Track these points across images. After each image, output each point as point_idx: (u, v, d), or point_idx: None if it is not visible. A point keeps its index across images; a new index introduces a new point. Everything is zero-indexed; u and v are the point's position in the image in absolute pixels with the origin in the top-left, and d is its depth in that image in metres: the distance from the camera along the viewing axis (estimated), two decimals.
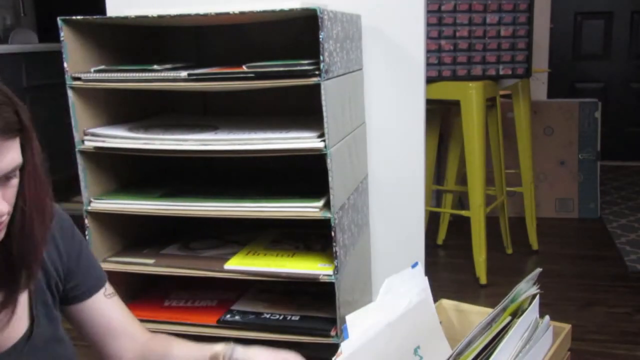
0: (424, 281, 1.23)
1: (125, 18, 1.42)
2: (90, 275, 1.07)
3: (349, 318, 1.11)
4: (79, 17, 1.43)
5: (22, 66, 3.44)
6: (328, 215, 1.38)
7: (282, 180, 1.72)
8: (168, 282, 1.72)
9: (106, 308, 1.08)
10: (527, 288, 1.22)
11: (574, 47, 4.35)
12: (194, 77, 1.38)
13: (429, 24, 2.28)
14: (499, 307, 1.17)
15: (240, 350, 1.10)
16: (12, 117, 0.79)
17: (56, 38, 1.45)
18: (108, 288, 1.10)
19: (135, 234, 1.69)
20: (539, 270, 1.25)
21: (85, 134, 1.49)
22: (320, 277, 1.40)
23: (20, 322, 0.94)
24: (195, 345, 1.10)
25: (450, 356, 1.05)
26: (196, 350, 1.08)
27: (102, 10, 1.82)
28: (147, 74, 1.42)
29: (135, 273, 1.56)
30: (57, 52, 1.44)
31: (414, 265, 1.25)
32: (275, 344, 1.52)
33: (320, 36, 1.31)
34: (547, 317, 1.21)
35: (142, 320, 1.58)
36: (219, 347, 1.06)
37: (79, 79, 1.45)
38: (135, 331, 1.11)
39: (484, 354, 1.08)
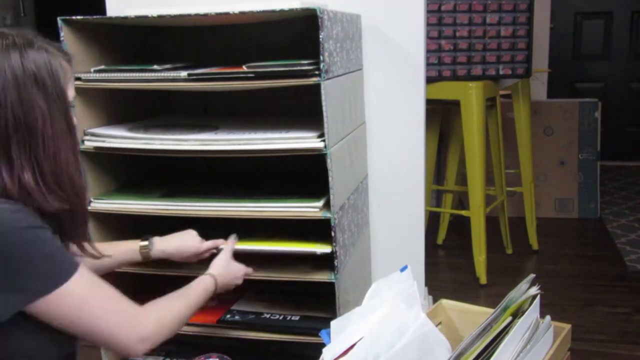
0: (413, 285, 1.22)
1: (125, 18, 1.42)
2: None
3: (333, 324, 1.10)
4: (79, 17, 1.43)
5: None
6: (328, 215, 1.38)
7: (282, 180, 1.72)
8: (168, 282, 1.72)
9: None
10: (519, 295, 1.21)
11: (574, 47, 4.35)
12: (194, 77, 1.38)
13: (429, 24, 2.28)
14: (496, 311, 1.17)
15: (157, 240, 1.40)
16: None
17: (56, 38, 1.45)
18: None
19: (135, 234, 1.69)
20: (532, 276, 1.25)
21: (85, 134, 1.49)
22: (317, 252, 1.40)
23: None
24: (119, 244, 1.38)
25: (451, 357, 1.05)
26: (121, 247, 1.37)
27: (102, 10, 1.82)
28: (147, 74, 1.42)
29: (136, 273, 1.56)
30: None
31: (403, 268, 1.25)
32: (276, 344, 1.52)
33: (321, 36, 1.31)
34: (547, 318, 1.21)
35: None
36: (139, 242, 1.38)
37: (79, 79, 1.45)
38: None
39: (484, 354, 1.08)
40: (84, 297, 0.95)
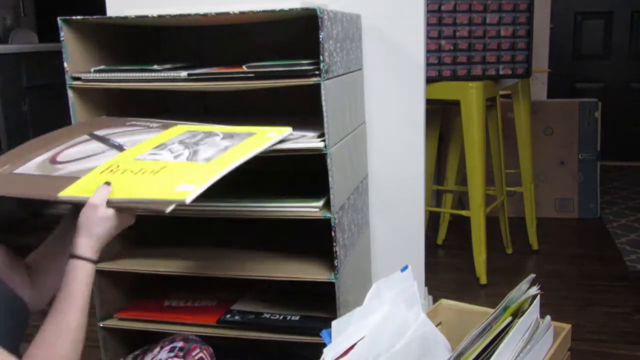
0: (413, 285, 1.22)
1: (125, 18, 1.42)
2: None
3: (334, 324, 1.11)
4: (79, 17, 1.43)
5: (22, 66, 3.44)
6: (328, 215, 1.38)
7: (282, 180, 1.72)
8: (168, 282, 1.72)
9: None
10: (519, 295, 1.21)
11: (574, 47, 4.35)
12: (194, 77, 1.38)
13: (429, 24, 2.28)
14: (496, 311, 1.17)
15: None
16: None
17: (56, 38, 1.45)
18: None
19: (134, 234, 1.69)
20: (532, 276, 1.25)
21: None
22: (168, 208, 1.00)
23: None
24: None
25: (451, 357, 1.05)
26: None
27: (102, 10, 1.82)
28: (147, 74, 1.42)
29: (135, 273, 1.56)
30: (57, 52, 1.44)
31: (404, 268, 1.25)
32: (276, 344, 1.52)
33: (320, 36, 1.31)
34: (547, 318, 1.21)
35: (142, 321, 1.60)
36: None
37: (79, 79, 1.45)
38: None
39: (484, 354, 1.08)
40: None
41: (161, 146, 1.20)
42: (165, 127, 1.31)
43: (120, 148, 1.21)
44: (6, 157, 1.19)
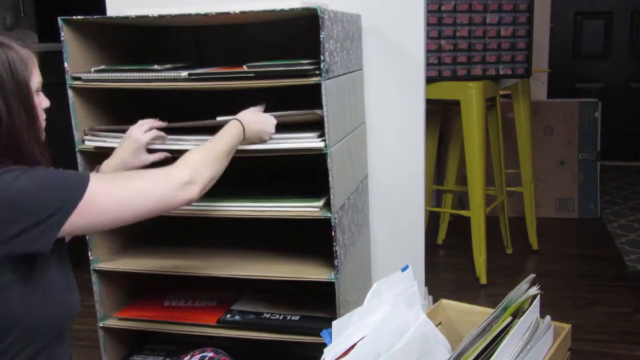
0: (413, 285, 1.22)
1: (126, 18, 1.42)
2: None
3: (334, 324, 1.11)
4: (79, 17, 1.43)
5: None
6: (328, 215, 1.38)
7: (282, 180, 1.72)
8: (168, 282, 1.72)
9: None
10: (519, 295, 1.21)
11: (574, 47, 4.35)
12: (195, 76, 1.38)
13: (429, 24, 2.28)
14: (496, 311, 1.17)
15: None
16: None
17: (56, 38, 1.45)
18: None
19: (134, 234, 1.69)
20: (532, 276, 1.25)
21: (86, 134, 1.49)
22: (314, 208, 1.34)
23: None
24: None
25: (451, 357, 1.05)
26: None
27: (102, 10, 1.82)
28: (147, 74, 1.42)
29: (135, 273, 1.56)
30: (57, 52, 1.44)
31: (404, 268, 1.25)
32: (275, 344, 1.52)
33: (321, 36, 1.31)
34: (547, 318, 1.21)
35: (142, 321, 1.60)
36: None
37: (79, 78, 1.45)
38: None
39: (484, 354, 1.08)
40: (111, 186, 1.01)
41: None
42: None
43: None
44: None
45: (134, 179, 1.07)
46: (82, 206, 0.95)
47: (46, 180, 0.94)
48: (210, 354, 1.22)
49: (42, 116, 1.06)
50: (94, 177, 1.00)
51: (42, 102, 1.08)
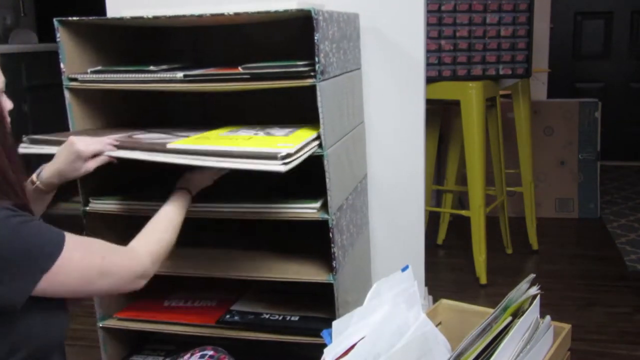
0: (413, 285, 1.22)
1: (121, 19, 1.42)
2: None
3: (335, 324, 1.11)
4: (75, 18, 1.43)
5: (22, 66, 3.44)
6: (326, 216, 1.38)
7: (280, 181, 1.72)
8: (168, 282, 1.72)
9: None
10: (519, 295, 1.21)
11: (574, 47, 4.35)
12: (190, 78, 1.38)
13: (429, 24, 2.27)
14: (496, 311, 1.17)
15: (45, 168, 1.28)
16: None
17: (56, 38, 1.45)
18: None
19: (133, 234, 1.68)
20: (532, 276, 1.25)
21: (23, 141, 1.42)
22: (279, 155, 1.16)
23: None
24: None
25: (451, 357, 1.04)
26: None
27: (102, 11, 1.82)
28: (143, 75, 1.42)
29: None
30: (57, 52, 1.44)
31: (404, 268, 1.25)
32: (275, 345, 1.52)
33: (316, 37, 1.30)
34: (547, 318, 1.21)
35: (142, 321, 1.59)
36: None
37: (75, 79, 1.45)
38: None
39: (484, 354, 1.07)
40: (84, 255, 0.99)
41: (232, 131, 1.37)
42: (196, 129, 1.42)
43: (186, 136, 1.33)
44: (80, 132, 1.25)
45: (104, 257, 1.02)
46: (49, 276, 0.93)
47: (25, 237, 0.91)
48: (211, 352, 1.23)
49: (7, 119, 1.03)
50: (67, 245, 0.96)
51: (5, 104, 1.05)
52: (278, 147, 1.19)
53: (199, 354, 1.23)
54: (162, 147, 1.26)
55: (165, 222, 1.23)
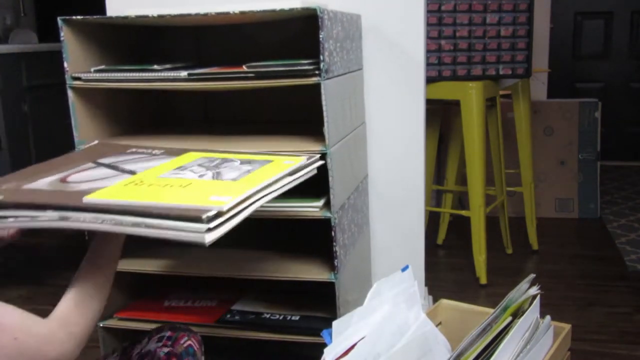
0: (413, 285, 1.23)
1: (126, 18, 1.42)
2: None
3: (335, 324, 1.11)
4: (78, 17, 1.43)
5: (22, 66, 3.44)
6: (328, 215, 1.38)
7: None
8: (168, 282, 1.72)
9: None
10: (519, 295, 1.21)
11: (574, 47, 4.35)
12: (194, 76, 1.38)
13: (429, 24, 2.28)
14: (496, 311, 1.17)
15: None
16: None
17: (56, 38, 1.45)
18: None
19: (133, 235, 1.69)
20: (532, 276, 1.25)
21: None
22: (204, 217, 0.86)
23: None
24: None
25: (451, 357, 1.05)
26: None
27: (102, 10, 1.82)
28: (147, 74, 1.42)
29: (135, 273, 1.56)
30: (57, 52, 1.44)
31: (404, 268, 1.25)
32: (275, 344, 1.52)
33: (321, 36, 1.31)
34: (547, 318, 1.21)
35: (142, 321, 1.59)
36: None
37: (79, 78, 1.45)
38: None
39: (484, 354, 1.08)
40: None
41: (180, 168, 1.13)
42: (171, 153, 1.21)
43: (132, 173, 1.11)
44: (10, 177, 1.12)
45: (17, 339, 0.87)
46: None
47: None
48: (168, 333, 1.17)
49: None
50: None
51: None
52: (209, 201, 0.92)
53: (156, 337, 1.17)
54: (75, 203, 0.98)
55: (93, 285, 1.02)
